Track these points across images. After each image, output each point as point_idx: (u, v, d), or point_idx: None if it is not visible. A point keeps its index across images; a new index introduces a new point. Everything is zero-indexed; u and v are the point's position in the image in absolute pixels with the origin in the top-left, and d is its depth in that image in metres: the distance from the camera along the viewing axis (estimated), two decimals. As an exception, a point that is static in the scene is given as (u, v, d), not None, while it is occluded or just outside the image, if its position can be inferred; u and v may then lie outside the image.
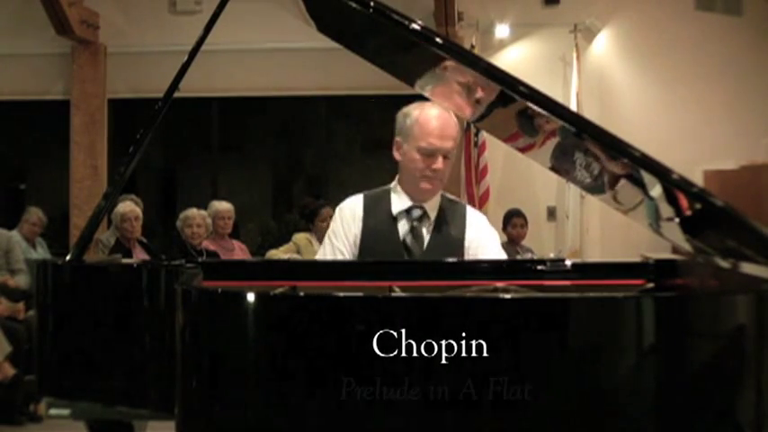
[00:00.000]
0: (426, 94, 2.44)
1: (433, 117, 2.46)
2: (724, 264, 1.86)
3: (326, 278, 2.31)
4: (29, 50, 7.62)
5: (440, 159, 2.45)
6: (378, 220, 2.52)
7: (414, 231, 2.50)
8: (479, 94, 2.12)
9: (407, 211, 2.52)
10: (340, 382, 1.56)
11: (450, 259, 2.45)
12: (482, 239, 2.54)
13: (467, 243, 2.52)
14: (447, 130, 2.45)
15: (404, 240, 2.50)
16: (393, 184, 2.59)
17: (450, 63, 1.98)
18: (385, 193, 2.58)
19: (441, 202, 2.56)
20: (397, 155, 2.54)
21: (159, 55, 7.05)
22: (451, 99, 2.45)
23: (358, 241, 2.51)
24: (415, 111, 2.50)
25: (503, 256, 2.58)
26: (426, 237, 2.50)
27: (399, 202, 2.53)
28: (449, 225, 2.53)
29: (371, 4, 1.95)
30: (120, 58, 7.64)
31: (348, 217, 2.54)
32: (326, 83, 7.41)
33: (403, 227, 2.51)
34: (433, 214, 2.53)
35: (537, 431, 1.55)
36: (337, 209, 2.59)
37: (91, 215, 2.40)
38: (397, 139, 2.53)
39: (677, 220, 1.96)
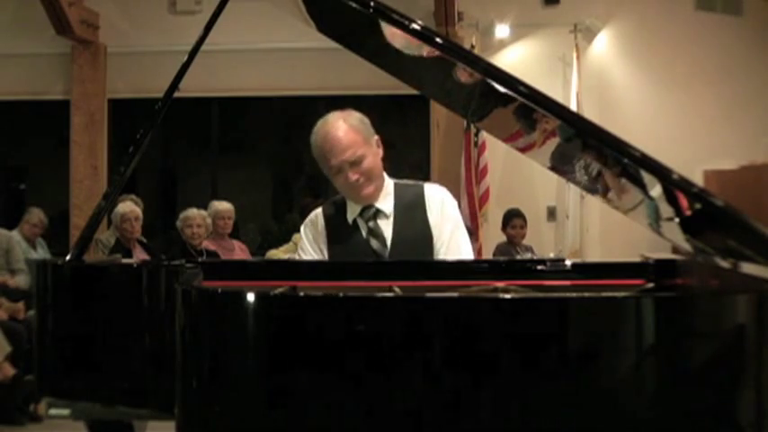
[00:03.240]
0: (426, 95, 2.43)
1: (322, 139, 2.45)
2: (724, 264, 1.86)
3: (326, 278, 2.31)
4: (29, 50, 7.62)
5: (349, 173, 2.43)
6: (339, 231, 2.52)
7: (372, 232, 2.49)
8: (477, 89, 2.12)
9: (361, 214, 2.51)
10: (340, 381, 1.57)
11: (450, 259, 2.45)
12: (444, 215, 2.50)
13: (432, 223, 2.49)
14: (338, 145, 2.42)
15: (367, 242, 2.48)
16: None
17: (449, 63, 1.98)
18: (340, 201, 2.57)
19: (395, 192, 2.54)
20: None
21: (159, 55, 7.05)
22: (452, 99, 2.45)
23: (326, 253, 2.52)
24: (312, 136, 2.48)
25: (462, 230, 2.54)
26: (388, 233, 2.49)
27: (352, 208, 2.53)
28: (408, 213, 2.50)
29: (371, 4, 1.95)
30: (120, 58, 7.64)
31: (311, 232, 2.56)
32: (326, 83, 7.41)
33: (363, 230, 2.50)
34: (388, 207, 2.51)
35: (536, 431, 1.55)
36: (302, 227, 2.60)
37: (91, 215, 2.40)
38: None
39: (677, 220, 1.96)
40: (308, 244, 2.56)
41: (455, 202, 2.59)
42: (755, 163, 6.45)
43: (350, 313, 1.61)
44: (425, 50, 2.02)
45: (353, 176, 2.43)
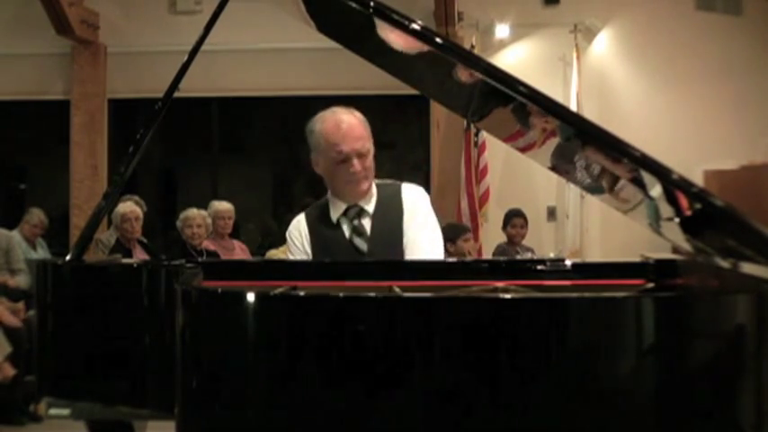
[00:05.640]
0: (426, 95, 2.43)
1: (333, 126, 2.47)
2: (724, 264, 1.86)
3: (326, 278, 2.31)
4: (29, 50, 7.62)
5: (355, 162, 2.46)
6: (322, 232, 2.55)
7: (356, 230, 2.53)
8: (474, 86, 2.12)
9: (345, 213, 2.55)
10: (340, 381, 1.57)
11: (450, 259, 2.45)
12: (414, 211, 2.54)
13: (405, 222, 2.53)
14: (351, 133, 2.46)
15: (350, 241, 2.52)
16: (328, 194, 2.61)
17: (449, 63, 1.98)
18: (323, 204, 2.61)
19: (377, 193, 2.58)
20: (317, 170, 2.57)
21: (159, 55, 7.05)
22: (452, 99, 2.44)
23: (310, 254, 2.54)
24: (316, 125, 2.51)
25: (433, 223, 2.57)
26: (369, 230, 2.53)
27: (336, 208, 2.56)
28: (386, 212, 2.55)
29: (371, 4, 1.95)
30: (120, 58, 7.64)
31: (297, 239, 2.58)
32: (326, 83, 7.41)
33: (347, 229, 2.54)
34: (371, 207, 2.56)
35: (536, 431, 1.55)
36: (287, 234, 2.62)
37: (91, 215, 2.40)
38: (312, 156, 2.55)
39: (677, 220, 1.96)
40: (295, 248, 2.58)
41: (427, 201, 2.61)
42: (755, 163, 6.45)
43: (350, 313, 1.61)
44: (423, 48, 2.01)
45: (359, 167, 2.47)
